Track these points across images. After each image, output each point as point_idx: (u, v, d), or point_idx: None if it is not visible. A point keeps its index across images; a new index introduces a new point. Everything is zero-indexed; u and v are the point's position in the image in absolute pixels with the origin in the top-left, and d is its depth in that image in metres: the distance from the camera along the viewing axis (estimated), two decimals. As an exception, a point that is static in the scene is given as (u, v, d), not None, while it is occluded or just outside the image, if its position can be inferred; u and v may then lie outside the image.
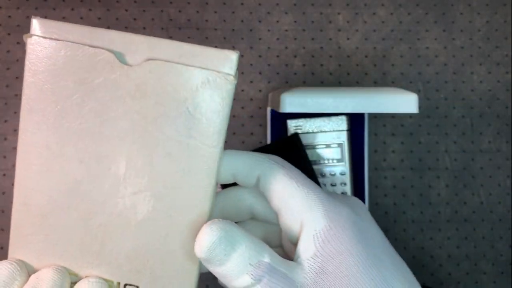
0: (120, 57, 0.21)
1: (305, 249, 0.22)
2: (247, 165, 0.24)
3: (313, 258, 0.22)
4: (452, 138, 0.44)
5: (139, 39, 0.21)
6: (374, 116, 0.44)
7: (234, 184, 0.26)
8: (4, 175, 0.42)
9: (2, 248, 0.42)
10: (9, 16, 0.43)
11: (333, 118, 0.41)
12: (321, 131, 0.41)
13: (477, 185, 0.44)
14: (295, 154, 0.40)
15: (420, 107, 0.44)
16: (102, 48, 0.21)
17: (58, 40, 0.21)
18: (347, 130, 0.41)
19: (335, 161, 0.41)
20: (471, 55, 0.45)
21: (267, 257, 0.21)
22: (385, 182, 0.44)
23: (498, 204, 0.44)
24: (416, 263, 0.43)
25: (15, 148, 0.42)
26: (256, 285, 0.21)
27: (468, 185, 0.44)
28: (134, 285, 0.23)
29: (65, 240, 0.23)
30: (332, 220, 0.22)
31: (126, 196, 0.22)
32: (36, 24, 0.21)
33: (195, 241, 0.22)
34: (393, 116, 0.44)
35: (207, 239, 0.21)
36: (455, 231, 0.44)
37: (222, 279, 0.22)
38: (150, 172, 0.22)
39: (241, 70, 0.43)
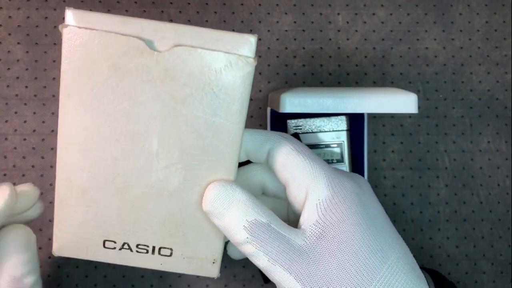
0: (150, 44, 0.22)
1: (308, 216, 0.23)
2: (258, 140, 0.26)
3: (315, 225, 0.23)
4: (452, 138, 0.44)
5: (167, 26, 0.22)
6: (373, 116, 0.44)
7: (247, 163, 0.28)
8: (4, 175, 0.42)
9: (2, 248, 0.42)
10: (10, 17, 0.43)
11: (333, 118, 0.41)
12: (320, 131, 0.41)
13: (477, 185, 0.44)
14: None
15: (419, 107, 0.44)
16: (133, 36, 0.22)
17: (92, 29, 0.22)
18: (347, 130, 0.41)
19: (334, 161, 0.41)
20: (471, 56, 0.45)
21: (265, 217, 0.23)
22: (385, 182, 0.44)
23: (497, 204, 0.44)
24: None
25: (15, 148, 0.42)
26: (253, 242, 0.23)
27: (468, 185, 0.44)
28: (168, 248, 0.26)
29: (104, 211, 0.25)
30: (335, 191, 0.24)
31: (159, 170, 0.24)
32: (70, 15, 0.22)
33: None
34: (392, 116, 0.44)
35: (209, 194, 0.24)
36: (454, 230, 0.44)
37: (225, 233, 0.24)
38: (180, 147, 0.24)
39: (241, 70, 0.43)
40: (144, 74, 0.23)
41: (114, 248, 0.26)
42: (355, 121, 0.42)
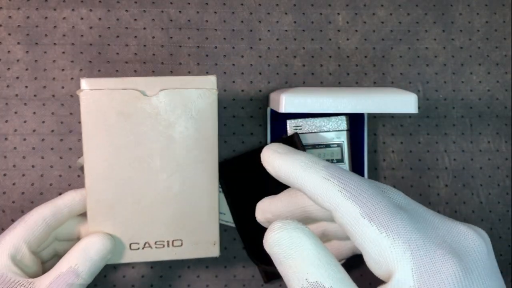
0: (143, 92, 0.32)
1: None
2: (316, 195, 0.21)
3: None
4: (452, 138, 0.44)
5: (154, 78, 0.32)
6: (373, 116, 0.44)
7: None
8: (4, 175, 0.42)
9: (2, 248, 0.42)
10: (10, 17, 0.43)
11: (333, 118, 0.41)
12: (320, 131, 0.41)
13: (477, 185, 0.44)
14: None
15: (419, 107, 0.44)
16: (131, 89, 0.32)
17: (101, 89, 0.31)
18: (347, 130, 0.41)
19: (335, 161, 0.41)
20: (470, 56, 0.45)
21: (329, 281, 0.19)
22: (385, 182, 0.44)
23: (497, 204, 0.44)
24: (415, 262, 0.43)
25: (15, 148, 0.42)
26: None
27: (468, 185, 0.44)
28: (178, 239, 0.34)
29: (127, 220, 0.33)
30: (423, 281, 0.18)
31: (163, 180, 0.33)
32: (84, 82, 0.31)
33: (211, 199, 0.33)
34: (392, 116, 0.44)
35: (270, 236, 0.21)
36: (454, 230, 0.44)
37: (283, 279, 0.21)
38: (175, 160, 0.33)
39: (241, 70, 0.43)
40: (142, 113, 0.32)
41: (138, 248, 0.33)
42: (355, 121, 0.42)
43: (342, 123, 0.41)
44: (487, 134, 0.44)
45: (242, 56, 0.44)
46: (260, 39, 0.44)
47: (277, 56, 0.44)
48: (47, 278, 0.28)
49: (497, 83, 0.45)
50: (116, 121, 0.31)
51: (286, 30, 0.44)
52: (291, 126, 0.41)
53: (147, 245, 0.33)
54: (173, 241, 0.33)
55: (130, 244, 0.33)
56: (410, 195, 0.44)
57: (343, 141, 0.41)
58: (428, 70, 0.44)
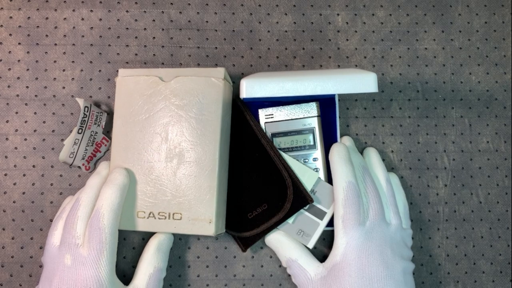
0: (161, 78, 0.39)
1: (328, 261, 0.38)
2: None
3: (324, 268, 0.38)
4: (451, 138, 0.44)
5: (172, 69, 0.39)
6: (373, 116, 0.44)
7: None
8: (5, 175, 0.42)
9: (3, 247, 0.42)
10: (11, 17, 0.43)
11: (303, 105, 0.41)
12: (292, 119, 0.41)
13: (476, 185, 0.44)
14: (239, 117, 0.42)
15: (418, 108, 0.44)
16: (152, 76, 0.38)
17: (130, 76, 0.39)
18: (318, 116, 0.41)
19: (307, 147, 0.41)
20: (469, 56, 0.45)
21: (294, 257, 0.39)
22: (384, 182, 0.44)
23: (496, 204, 0.44)
24: (415, 262, 0.43)
25: (16, 148, 0.42)
26: (288, 269, 0.40)
27: (467, 185, 0.44)
28: (178, 213, 0.37)
29: (136, 190, 0.38)
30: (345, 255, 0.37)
31: (169, 155, 0.38)
32: (121, 71, 0.39)
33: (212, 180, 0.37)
34: (392, 116, 0.44)
35: (269, 237, 0.41)
36: (453, 230, 0.44)
37: (280, 258, 0.41)
38: (183, 137, 0.38)
39: (241, 71, 0.44)
40: (159, 95, 0.38)
41: (144, 217, 0.38)
42: (326, 107, 0.42)
43: (313, 109, 0.41)
44: (486, 134, 0.44)
45: (242, 57, 0.44)
46: (260, 39, 0.44)
47: (277, 57, 0.44)
48: (141, 280, 0.37)
49: (496, 83, 0.45)
50: (139, 100, 0.38)
51: (286, 31, 0.44)
52: (262, 115, 0.42)
53: (151, 215, 0.37)
54: (173, 214, 0.37)
55: (138, 212, 0.38)
56: (409, 195, 0.44)
57: (314, 127, 0.41)
58: (427, 71, 0.45)
